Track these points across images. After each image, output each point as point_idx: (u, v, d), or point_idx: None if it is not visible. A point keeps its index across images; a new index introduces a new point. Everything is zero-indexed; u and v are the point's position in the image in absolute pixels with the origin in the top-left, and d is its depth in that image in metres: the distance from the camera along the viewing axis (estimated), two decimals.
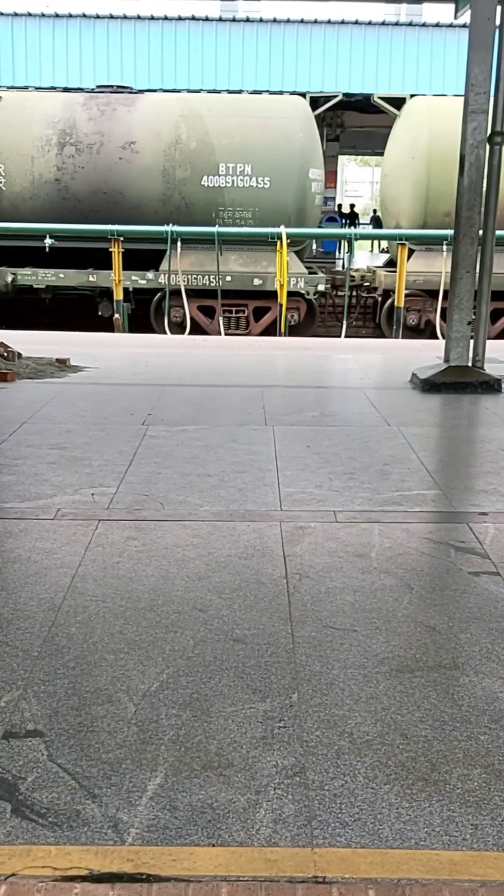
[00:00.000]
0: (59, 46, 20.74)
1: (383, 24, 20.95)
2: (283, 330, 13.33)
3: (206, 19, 20.73)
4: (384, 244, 15.74)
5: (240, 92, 17.91)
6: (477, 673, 2.98)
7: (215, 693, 2.81)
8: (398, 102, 14.91)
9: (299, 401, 7.37)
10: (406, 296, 13.79)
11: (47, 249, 13.60)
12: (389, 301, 14.08)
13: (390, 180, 15.02)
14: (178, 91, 18.11)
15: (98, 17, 20.69)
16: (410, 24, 20.87)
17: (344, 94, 16.52)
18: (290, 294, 13.62)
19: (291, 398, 7.52)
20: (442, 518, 4.56)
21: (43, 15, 20.72)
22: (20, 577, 3.69)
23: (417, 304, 14.03)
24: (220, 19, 20.92)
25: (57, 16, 20.65)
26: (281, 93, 16.97)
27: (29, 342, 10.00)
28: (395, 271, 13.82)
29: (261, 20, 20.74)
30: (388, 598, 3.54)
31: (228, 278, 13.70)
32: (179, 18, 20.61)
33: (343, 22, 20.65)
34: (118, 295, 13.45)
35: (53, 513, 4.47)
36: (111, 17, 20.70)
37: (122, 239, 13.27)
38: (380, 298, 14.79)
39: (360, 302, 15.66)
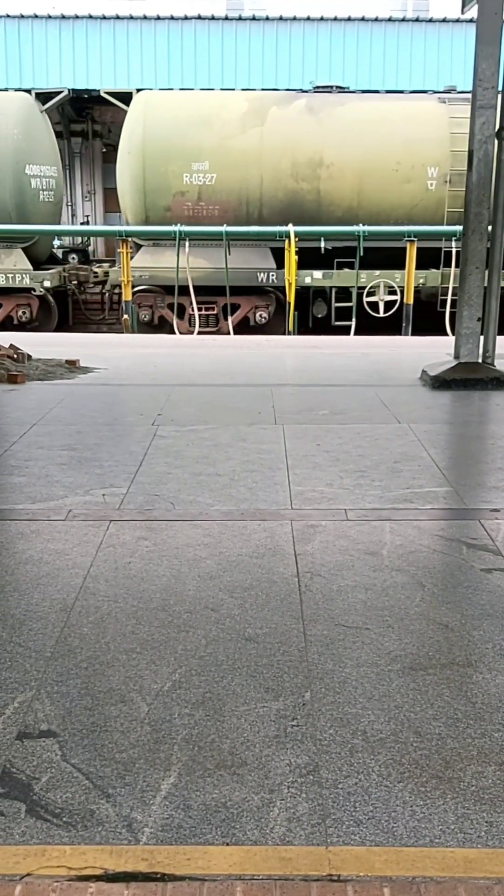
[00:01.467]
0: (65, 48, 20.79)
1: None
2: (290, 328, 13.32)
3: (212, 18, 20.75)
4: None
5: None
6: (490, 670, 2.97)
7: (228, 692, 2.81)
8: (128, 97, 14.65)
9: (309, 399, 7.36)
10: (138, 291, 13.86)
11: (54, 250, 13.70)
12: (119, 296, 14.13)
13: (118, 175, 14.88)
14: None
15: (105, 17, 20.72)
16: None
17: (70, 90, 16.35)
18: (20, 290, 13.86)
19: (301, 396, 7.51)
20: (453, 515, 4.55)
21: (49, 17, 20.78)
22: (32, 578, 3.70)
23: (149, 300, 14.06)
24: (227, 18, 20.93)
25: (63, 17, 20.72)
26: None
27: (38, 344, 10.04)
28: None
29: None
30: (400, 595, 3.54)
31: None
32: (186, 18, 20.62)
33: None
34: (127, 296, 13.49)
35: (65, 514, 4.48)
36: (117, 17, 20.74)
37: (128, 239, 13.30)
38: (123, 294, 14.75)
39: (111, 297, 15.53)
